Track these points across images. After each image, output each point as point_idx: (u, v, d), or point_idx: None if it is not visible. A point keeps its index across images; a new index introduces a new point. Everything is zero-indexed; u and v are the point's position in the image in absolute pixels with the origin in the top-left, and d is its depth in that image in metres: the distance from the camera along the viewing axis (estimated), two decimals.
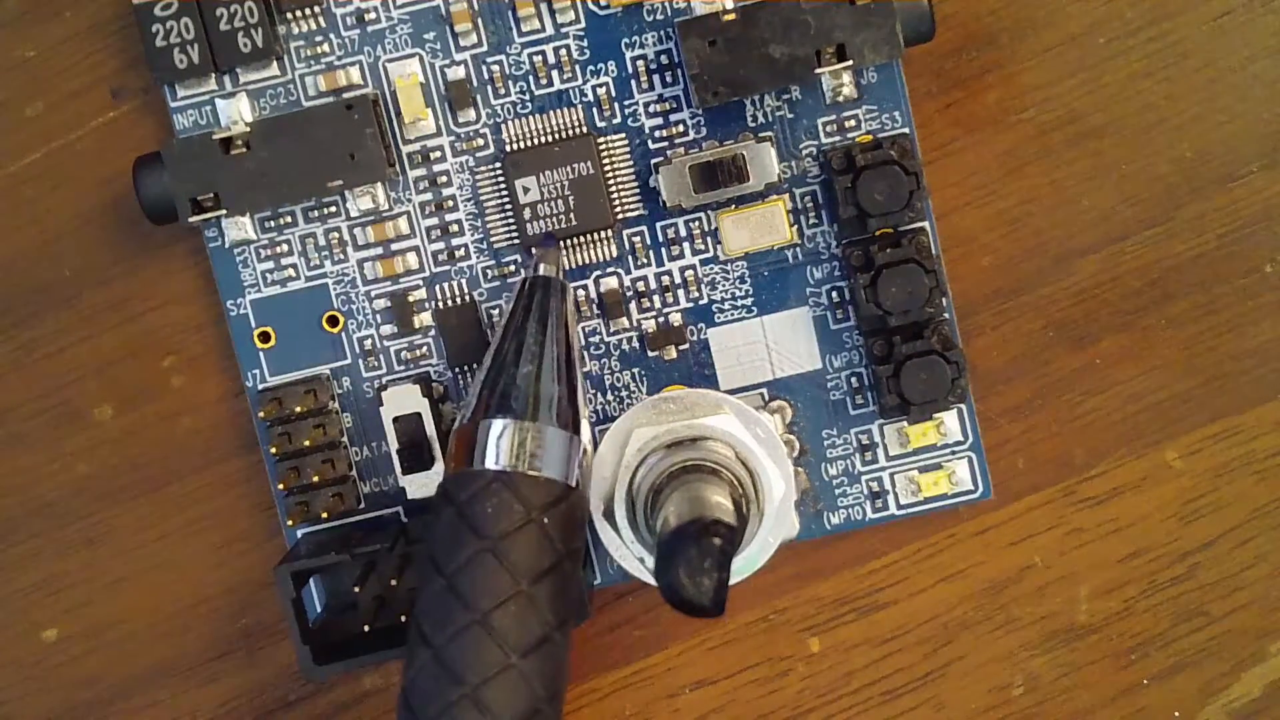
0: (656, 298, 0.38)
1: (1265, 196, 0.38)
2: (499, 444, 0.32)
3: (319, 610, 0.39)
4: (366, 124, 0.37)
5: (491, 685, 0.30)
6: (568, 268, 0.38)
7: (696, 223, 0.38)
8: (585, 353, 0.38)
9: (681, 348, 0.38)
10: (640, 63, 0.37)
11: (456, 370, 0.38)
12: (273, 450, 0.38)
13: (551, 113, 0.38)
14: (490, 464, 0.32)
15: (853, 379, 0.38)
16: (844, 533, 0.39)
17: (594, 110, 0.38)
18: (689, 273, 0.38)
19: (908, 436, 0.38)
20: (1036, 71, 0.38)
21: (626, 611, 0.40)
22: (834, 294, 0.38)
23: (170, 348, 0.40)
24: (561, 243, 0.37)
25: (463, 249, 0.38)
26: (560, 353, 0.34)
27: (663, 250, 0.38)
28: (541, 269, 0.35)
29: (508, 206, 0.38)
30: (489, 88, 0.38)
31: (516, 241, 0.38)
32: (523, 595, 0.31)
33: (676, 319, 0.38)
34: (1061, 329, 0.39)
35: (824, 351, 0.38)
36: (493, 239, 0.38)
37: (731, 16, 0.35)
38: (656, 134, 0.38)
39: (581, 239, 0.37)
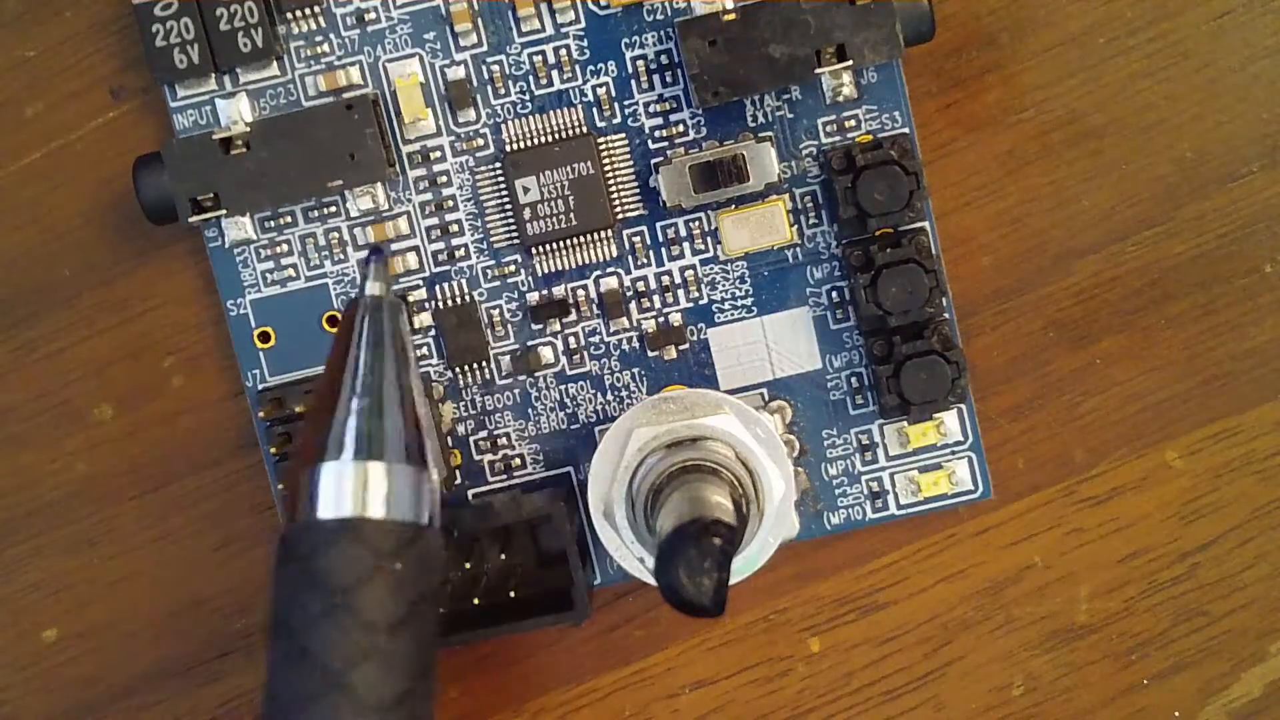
0: (656, 298, 0.38)
1: (1265, 196, 0.38)
2: (338, 488, 0.30)
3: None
4: (366, 124, 0.37)
5: None
6: (568, 265, 0.38)
7: (696, 223, 0.38)
8: (587, 353, 0.38)
9: (681, 348, 0.38)
10: (640, 63, 0.37)
11: (456, 370, 0.38)
12: (273, 450, 0.38)
13: (551, 113, 0.38)
14: (329, 512, 0.29)
15: (853, 379, 0.38)
16: (844, 533, 0.39)
17: (594, 110, 0.38)
18: (689, 273, 0.38)
19: (908, 436, 0.38)
20: (1036, 71, 0.38)
21: (626, 611, 0.40)
22: (834, 294, 0.38)
23: (170, 348, 0.40)
24: (389, 256, 0.34)
25: (463, 249, 0.38)
26: (398, 380, 0.31)
27: (663, 250, 0.38)
28: (369, 288, 0.32)
29: (508, 206, 0.38)
30: (489, 88, 0.38)
31: (516, 241, 0.38)
32: (380, 652, 0.29)
33: (676, 319, 0.38)
34: (1061, 329, 0.39)
35: (824, 351, 0.38)
36: (493, 239, 0.38)
37: (731, 16, 0.35)
38: (656, 134, 0.38)
39: (581, 239, 0.37)
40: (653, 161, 0.37)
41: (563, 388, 0.38)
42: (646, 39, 0.37)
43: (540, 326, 0.38)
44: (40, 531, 0.40)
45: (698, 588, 0.29)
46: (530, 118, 0.38)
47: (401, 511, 0.30)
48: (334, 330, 0.38)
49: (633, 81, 0.37)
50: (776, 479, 0.34)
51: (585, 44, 0.37)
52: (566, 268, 0.38)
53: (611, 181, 0.37)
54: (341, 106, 0.37)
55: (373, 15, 0.37)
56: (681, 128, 0.37)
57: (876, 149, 0.36)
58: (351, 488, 0.30)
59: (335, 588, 0.29)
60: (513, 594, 0.38)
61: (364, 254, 0.34)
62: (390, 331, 0.32)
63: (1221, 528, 0.39)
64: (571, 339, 0.38)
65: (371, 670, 0.28)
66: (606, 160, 0.37)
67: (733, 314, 0.38)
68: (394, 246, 0.38)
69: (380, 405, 0.30)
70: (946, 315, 0.37)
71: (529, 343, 0.38)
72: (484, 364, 0.38)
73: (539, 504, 0.37)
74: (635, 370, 0.38)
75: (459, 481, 0.39)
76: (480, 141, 0.38)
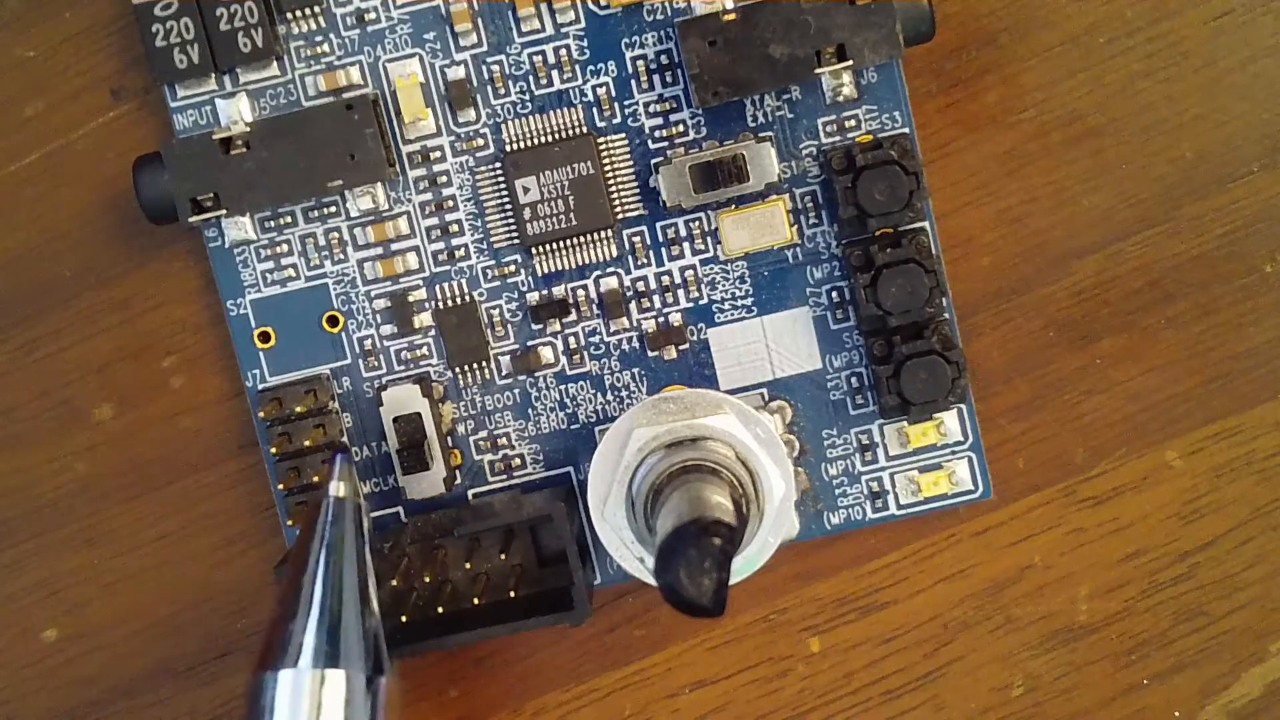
0: (656, 298, 0.38)
1: (1265, 196, 0.38)
2: (294, 700, 0.29)
3: None
4: (366, 124, 0.37)
5: None
6: (568, 265, 0.38)
7: (696, 223, 0.38)
8: (587, 353, 0.38)
9: (681, 348, 0.38)
10: (640, 63, 0.37)
11: (456, 370, 0.38)
12: (273, 450, 0.38)
13: (551, 113, 0.38)
14: None
15: (853, 379, 0.38)
16: (844, 533, 0.39)
17: (594, 110, 0.38)
18: (689, 273, 0.38)
19: (908, 436, 0.38)
20: (1036, 71, 0.38)
21: (626, 611, 0.40)
22: (834, 294, 0.38)
23: (170, 348, 0.40)
24: (352, 462, 0.34)
25: (463, 249, 0.38)
26: (358, 585, 0.31)
27: (663, 250, 0.38)
28: (333, 488, 0.32)
29: (508, 206, 0.38)
30: (489, 88, 0.38)
31: (516, 241, 0.38)
32: None
33: (676, 319, 0.38)
34: (1061, 329, 0.39)
35: (824, 351, 0.38)
36: (493, 239, 0.38)
37: (731, 16, 0.35)
38: (656, 134, 0.38)
39: (581, 239, 0.37)
40: (653, 161, 0.37)
41: (563, 388, 0.38)
42: (646, 39, 0.37)
43: (540, 326, 0.38)
44: (40, 531, 0.40)
45: (698, 588, 0.29)
46: (530, 118, 0.38)
47: (358, 716, 0.30)
48: (333, 330, 0.38)
49: (633, 81, 0.37)
50: (776, 479, 0.34)
51: (585, 44, 0.37)
52: (566, 268, 0.38)
53: (611, 181, 0.37)
54: (341, 106, 0.37)
55: (373, 15, 0.37)
56: (681, 128, 0.37)
57: (876, 149, 0.36)
58: (308, 700, 0.29)
59: None
60: (513, 594, 0.38)
61: (333, 451, 0.34)
62: (351, 536, 0.32)
63: (1221, 528, 0.39)
64: (571, 339, 0.38)
65: None
66: (606, 160, 0.37)
67: (733, 314, 0.38)
68: (394, 247, 0.38)
69: (340, 610, 0.30)
70: (946, 315, 0.37)
71: (529, 343, 0.38)
72: (484, 364, 0.38)
73: (539, 504, 0.37)
74: (635, 370, 0.38)
75: (459, 481, 0.39)
76: (480, 141, 0.38)
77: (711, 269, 0.38)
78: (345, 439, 0.38)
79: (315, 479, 0.37)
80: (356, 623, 0.31)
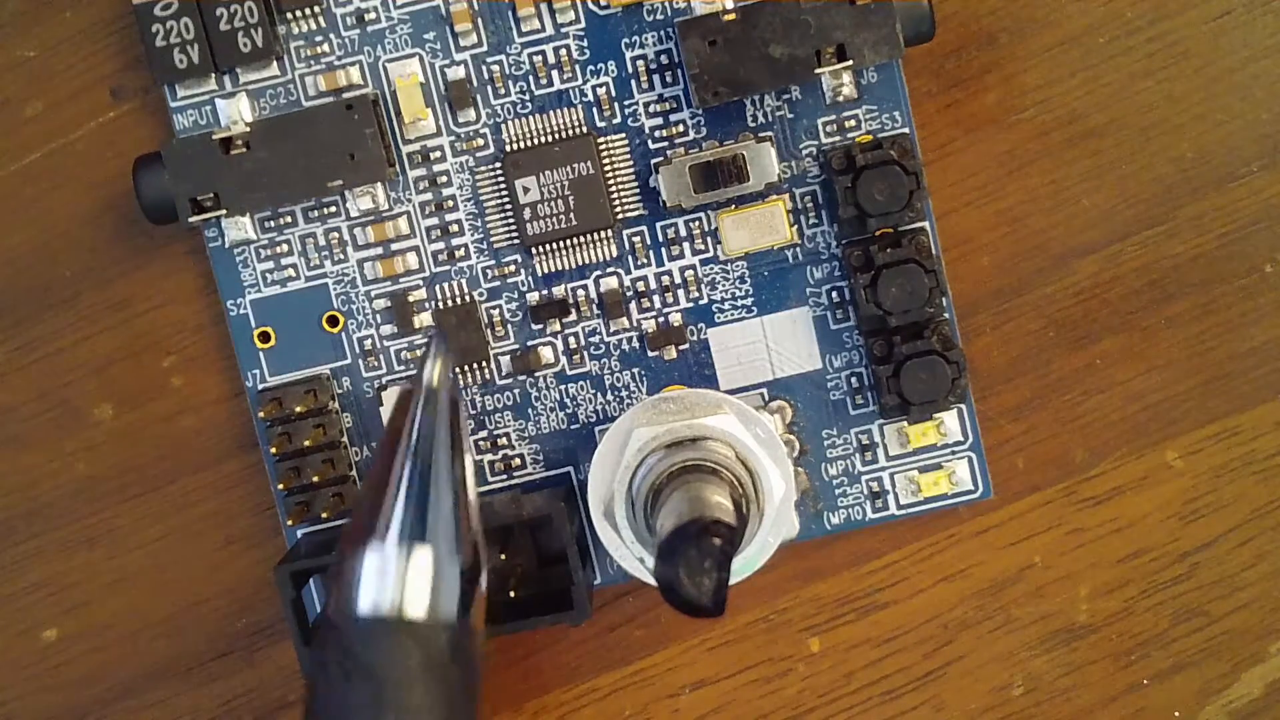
0: (656, 298, 0.38)
1: (1265, 196, 0.38)
2: (382, 579, 0.29)
3: (319, 610, 0.39)
4: (366, 124, 0.37)
5: None
6: (568, 265, 0.38)
7: (696, 223, 0.38)
8: (587, 353, 0.38)
9: (681, 348, 0.38)
10: (640, 63, 0.37)
11: (456, 370, 0.38)
12: (273, 450, 0.38)
13: (551, 113, 0.38)
14: (370, 603, 0.29)
15: (853, 379, 0.38)
16: (844, 533, 0.39)
17: (594, 110, 0.38)
18: (689, 273, 0.38)
19: (908, 436, 0.38)
20: (1036, 71, 0.38)
21: (626, 611, 0.40)
22: (834, 294, 0.38)
23: (170, 348, 0.40)
24: (445, 340, 0.33)
25: (463, 249, 0.38)
26: (455, 473, 0.30)
27: (663, 250, 0.38)
28: (427, 376, 0.31)
29: (508, 206, 0.38)
30: (489, 88, 0.38)
31: (516, 241, 0.38)
32: None
33: (676, 319, 0.38)
34: (1061, 329, 0.39)
35: (824, 351, 0.38)
36: (493, 239, 0.38)
37: (731, 16, 0.35)
38: (656, 134, 0.38)
39: (581, 239, 0.37)
40: (653, 161, 0.37)
41: (563, 388, 0.38)
42: (646, 39, 0.37)
43: (540, 326, 0.38)
44: (40, 531, 0.40)
45: (698, 588, 0.29)
46: (530, 118, 0.38)
47: (441, 607, 0.29)
48: (333, 330, 0.38)
49: (633, 81, 0.37)
50: (776, 479, 0.34)
51: (585, 44, 0.37)
52: (566, 268, 0.38)
53: (611, 181, 0.37)
54: (341, 106, 0.37)
55: (373, 15, 0.37)
56: (681, 128, 0.37)
57: (876, 149, 0.36)
58: (395, 578, 0.29)
59: (384, 681, 0.28)
60: (513, 594, 0.38)
61: (429, 336, 0.33)
62: (449, 424, 0.30)
63: (1221, 528, 0.39)
64: (571, 339, 0.38)
65: None
66: (606, 160, 0.37)
67: (733, 314, 0.38)
68: (394, 247, 0.38)
69: (437, 498, 0.29)
70: (946, 315, 0.37)
71: (529, 343, 0.38)
72: (484, 364, 0.38)
73: (539, 504, 0.37)
74: (635, 370, 0.38)
75: None
76: (480, 141, 0.38)
77: (711, 269, 0.38)
78: (346, 439, 0.38)
79: (315, 479, 0.38)
80: (449, 508, 0.29)
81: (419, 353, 0.38)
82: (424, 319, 0.38)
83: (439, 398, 0.30)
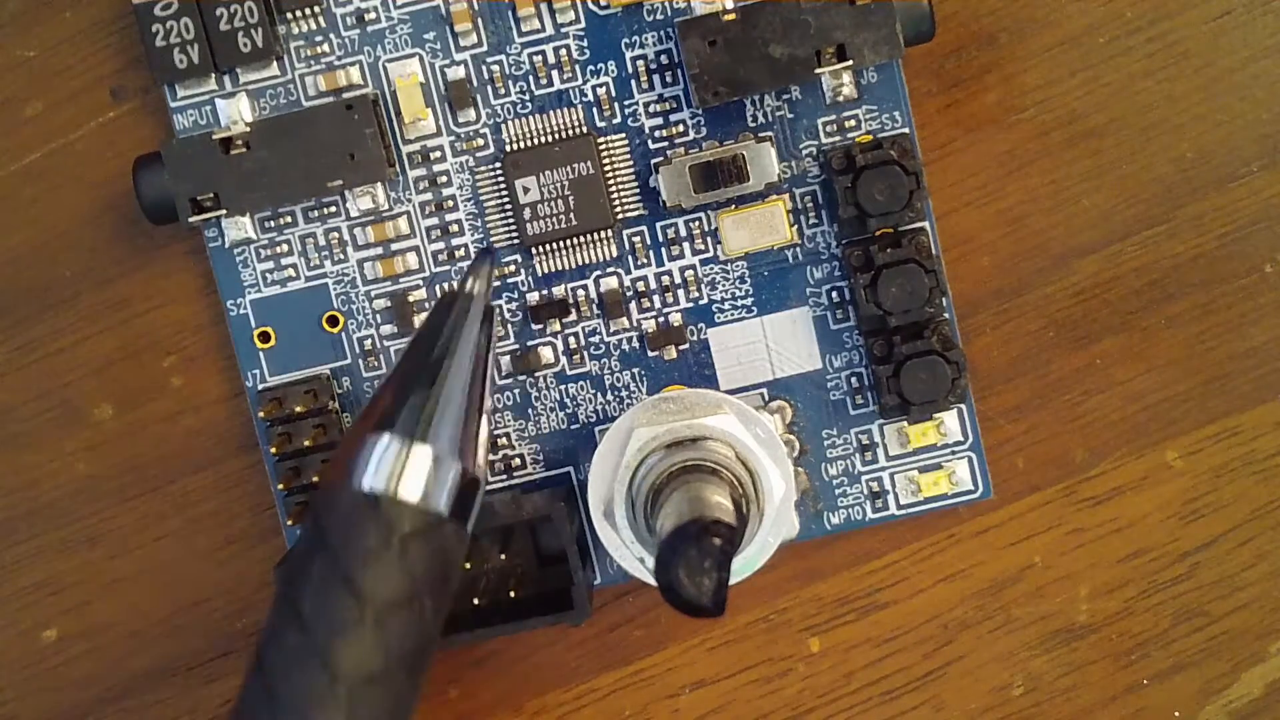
0: (656, 298, 0.38)
1: (1265, 196, 0.38)
2: (377, 461, 0.29)
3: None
4: (366, 124, 0.37)
5: (316, 711, 0.28)
6: (568, 265, 0.38)
7: (696, 223, 0.38)
8: (587, 353, 0.38)
9: (681, 348, 0.38)
10: (640, 63, 0.37)
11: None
12: (273, 450, 0.38)
13: (551, 113, 0.38)
14: (363, 481, 0.29)
15: (853, 379, 0.38)
16: (844, 533, 0.39)
17: (594, 110, 0.38)
18: (689, 273, 0.38)
19: (908, 436, 0.38)
20: (1036, 71, 0.38)
21: (626, 611, 0.40)
22: (834, 294, 0.38)
23: (170, 348, 0.40)
24: (497, 264, 0.35)
25: (463, 249, 0.38)
26: (470, 378, 0.31)
27: (663, 250, 0.38)
28: (472, 286, 0.32)
29: (508, 206, 0.38)
30: (489, 88, 0.38)
31: (517, 241, 0.38)
32: (367, 627, 0.28)
33: (676, 319, 0.38)
34: (1061, 329, 0.39)
35: (824, 351, 0.38)
36: (493, 239, 0.38)
37: (731, 16, 0.35)
38: (656, 134, 0.38)
39: (581, 239, 0.37)
40: (653, 161, 0.37)
41: (563, 388, 0.38)
42: (646, 39, 0.37)
43: (540, 326, 0.38)
44: (40, 531, 0.40)
45: (698, 588, 0.29)
46: (530, 118, 0.38)
47: (434, 501, 0.30)
48: (333, 330, 0.38)
49: (633, 81, 0.37)
50: (776, 479, 0.34)
51: (585, 44, 0.37)
52: (566, 268, 0.38)
53: (611, 181, 0.37)
54: (341, 106, 0.37)
55: (373, 15, 0.37)
56: (681, 128, 0.37)
57: (876, 149, 0.36)
58: (391, 464, 0.29)
59: (339, 555, 0.29)
60: (513, 594, 0.38)
61: (477, 251, 0.34)
62: (475, 331, 0.31)
63: (1221, 528, 0.39)
64: (571, 339, 0.38)
65: (353, 644, 0.28)
66: (606, 160, 0.37)
67: (733, 314, 0.38)
68: (394, 247, 0.38)
69: (443, 394, 0.30)
70: (946, 315, 0.37)
71: (529, 343, 0.38)
72: None
73: (539, 504, 0.37)
74: (635, 370, 0.38)
75: None
76: (480, 141, 0.38)
77: (711, 269, 0.38)
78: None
79: (315, 479, 0.38)
80: (458, 412, 0.30)
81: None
82: (424, 319, 0.38)
83: (473, 306, 0.31)
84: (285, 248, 0.38)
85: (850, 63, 0.36)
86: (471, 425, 0.31)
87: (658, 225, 0.38)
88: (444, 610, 0.31)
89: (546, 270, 0.38)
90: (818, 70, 0.36)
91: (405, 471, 0.29)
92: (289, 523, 0.38)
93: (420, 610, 0.30)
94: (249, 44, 0.37)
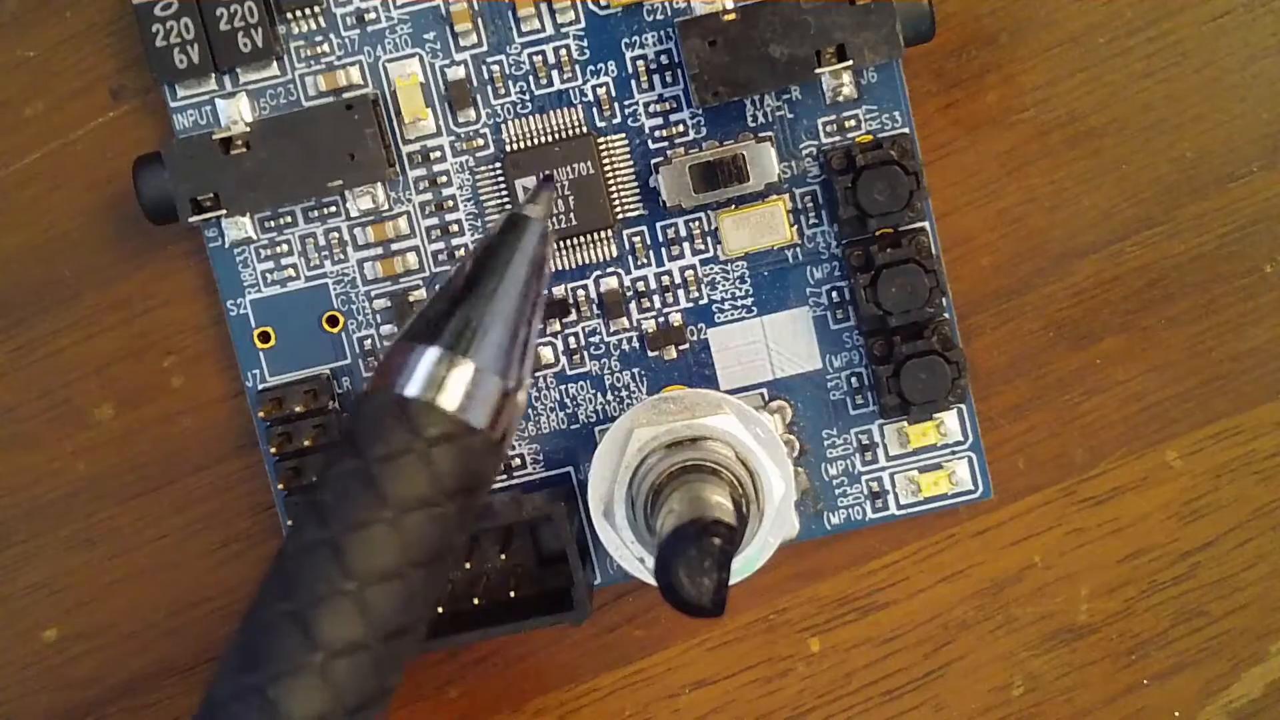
0: (656, 298, 0.38)
1: (1265, 196, 0.38)
2: (416, 369, 0.29)
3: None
4: (366, 124, 0.37)
5: (321, 606, 0.28)
6: (568, 265, 0.38)
7: (696, 223, 0.38)
8: (587, 353, 0.38)
9: (681, 348, 0.38)
10: (640, 63, 0.37)
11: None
12: (273, 450, 0.38)
13: (551, 113, 0.38)
14: (400, 387, 0.29)
15: (853, 379, 0.38)
16: (844, 533, 0.39)
17: (594, 110, 0.38)
18: (689, 273, 0.38)
19: (908, 436, 0.38)
20: (1036, 71, 0.38)
21: (626, 611, 0.40)
22: (834, 294, 0.38)
23: (170, 348, 0.40)
24: (556, 188, 0.36)
25: (463, 249, 0.38)
26: (520, 297, 0.31)
27: (663, 250, 0.38)
28: (528, 209, 0.32)
29: (508, 206, 0.38)
30: (489, 88, 0.38)
31: None
32: (383, 523, 0.28)
33: (676, 319, 0.38)
34: (1061, 329, 0.39)
35: (824, 351, 0.38)
36: None
37: (731, 16, 0.35)
38: (656, 134, 0.38)
39: (581, 239, 0.37)
40: (653, 161, 0.37)
41: (563, 388, 0.38)
42: (646, 39, 0.37)
43: (540, 326, 0.38)
44: (40, 531, 0.40)
45: (698, 588, 0.29)
46: (530, 118, 0.38)
47: (469, 412, 0.29)
48: (333, 330, 0.38)
49: (633, 81, 0.37)
50: (776, 479, 0.34)
51: (585, 44, 0.37)
52: (566, 268, 0.38)
53: (611, 181, 0.37)
54: (341, 106, 0.37)
55: (373, 15, 0.37)
56: (681, 128, 0.37)
57: (876, 149, 0.36)
58: (430, 373, 0.29)
59: (364, 453, 0.29)
60: (513, 594, 0.38)
61: (536, 180, 0.35)
62: (531, 253, 0.31)
63: (1221, 528, 0.39)
64: (571, 339, 0.38)
65: (367, 541, 0.28)
66: (606, 160, 0.37)
67: (733, 314, 0.38)
68: (394, 247, 0.38)
69: (496, 311, 0.30)
70: (946, 315, 0.37)
71: None
72: None
73: (539, 504, 0.37)
74: (635, 370, 0.38)
75: None
76: (480, 141, 0.38)
77: (711, 269, 0.38)
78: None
79: (315, 479, 0.37)
80: (505, 330, 0.30)
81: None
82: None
83: (531, 227, 0.31)
84: (285, 248, 0.38)
85: (850, 63, 0.36)
86: (517, 345, 0.30)
87: (658, 225, 0.38)
88: (468, 522, 0.30)
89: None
90: (818, 70, 0.36)
91: (444, 381, 0.29)
92: (289, 523, 0.38)
93: (441, 515, 0.29)
94: (249, 44, 0.37)
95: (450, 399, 0.29)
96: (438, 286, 0.31)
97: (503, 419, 0.30)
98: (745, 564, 0.34)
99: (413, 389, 0.29)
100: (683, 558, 0.29)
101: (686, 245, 0.38)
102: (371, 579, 0.28)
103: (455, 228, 0.38)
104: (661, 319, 0.38)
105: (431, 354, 0.29)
